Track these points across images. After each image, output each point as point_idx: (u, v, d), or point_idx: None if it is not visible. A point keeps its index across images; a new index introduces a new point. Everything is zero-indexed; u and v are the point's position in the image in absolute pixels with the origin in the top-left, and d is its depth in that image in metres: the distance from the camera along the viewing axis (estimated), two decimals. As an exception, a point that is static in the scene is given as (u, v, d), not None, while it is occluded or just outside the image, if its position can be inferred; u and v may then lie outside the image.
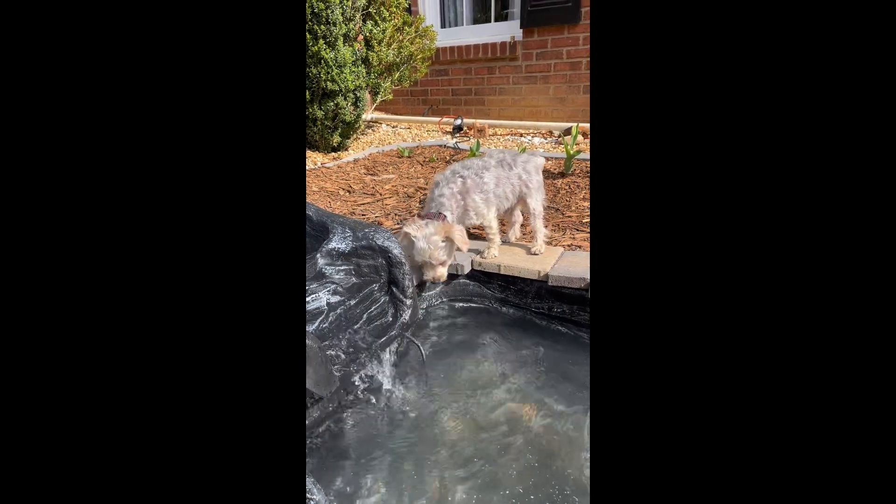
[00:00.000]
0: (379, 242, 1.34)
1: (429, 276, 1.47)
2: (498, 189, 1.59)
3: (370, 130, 4.15)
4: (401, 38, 3.42)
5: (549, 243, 1.76)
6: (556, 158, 2.92)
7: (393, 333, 1.34)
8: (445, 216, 1.47)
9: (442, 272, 1.47)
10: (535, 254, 1.66)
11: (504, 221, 1.80)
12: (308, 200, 2.03)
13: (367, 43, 3.31)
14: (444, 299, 1.73)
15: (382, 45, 3.30)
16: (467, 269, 1.69)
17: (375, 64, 3.32)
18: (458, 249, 1.44)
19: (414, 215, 1.49)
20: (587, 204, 2.24)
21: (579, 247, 1.75)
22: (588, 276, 1.47)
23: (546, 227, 1.82)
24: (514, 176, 1.62)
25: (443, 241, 1.40)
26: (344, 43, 3.00)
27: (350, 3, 2.96)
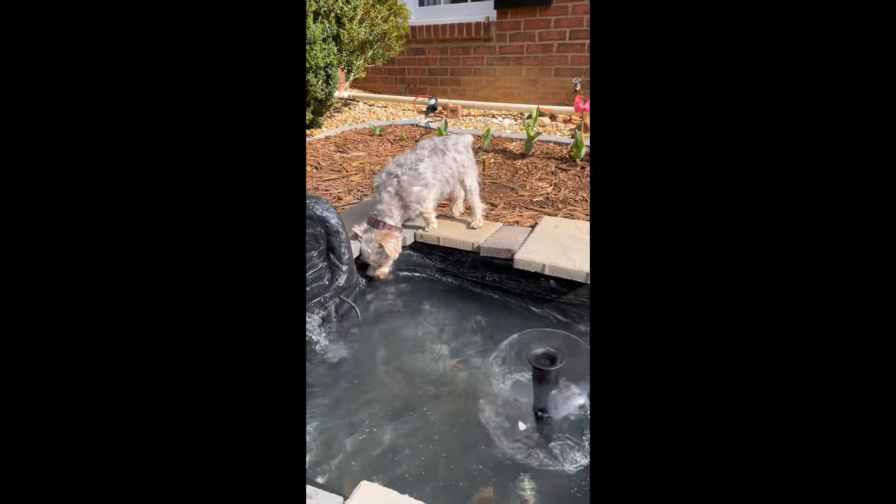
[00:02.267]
0: (318, 213, 1.44)
1: (371, 273, 1.70)
2: (437, 174, 1.69)
3: (346, 108, 4.19)
4: (373, 15, 3.44)
5: (496, 220, 1.87)
6: (519, 140, 3.00)
7: (327, 295, 1.46)
8: (385, 223, 1.61)
9: (383, 271, 1.69)
10: (473, 228, 1.78)
11: (448, 198, 1.90)
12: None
13: (339, 20, 3.33)
14: (391, 269, 1.84)
15: (354, 22, 3.32)
16: (410, 241, 1.80)
17: (347, 42, 3.35)
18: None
19: (364, 220, 1.67)
20: (542, 184, 2.35)
21: (520, 223, 1.86)
22: (514, 248, 1.59)
23: (483, 202, 1.93)
24: (449, 159, 1.72)
25: (379, 248, 1.61)
26: (314, 20, 3.03)
27: (320, -21, 2.98)
